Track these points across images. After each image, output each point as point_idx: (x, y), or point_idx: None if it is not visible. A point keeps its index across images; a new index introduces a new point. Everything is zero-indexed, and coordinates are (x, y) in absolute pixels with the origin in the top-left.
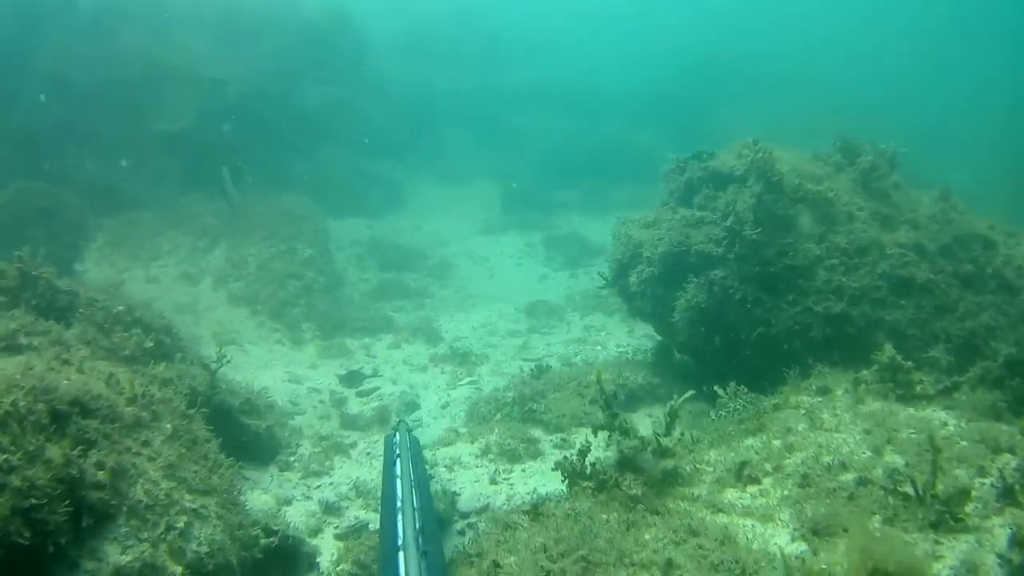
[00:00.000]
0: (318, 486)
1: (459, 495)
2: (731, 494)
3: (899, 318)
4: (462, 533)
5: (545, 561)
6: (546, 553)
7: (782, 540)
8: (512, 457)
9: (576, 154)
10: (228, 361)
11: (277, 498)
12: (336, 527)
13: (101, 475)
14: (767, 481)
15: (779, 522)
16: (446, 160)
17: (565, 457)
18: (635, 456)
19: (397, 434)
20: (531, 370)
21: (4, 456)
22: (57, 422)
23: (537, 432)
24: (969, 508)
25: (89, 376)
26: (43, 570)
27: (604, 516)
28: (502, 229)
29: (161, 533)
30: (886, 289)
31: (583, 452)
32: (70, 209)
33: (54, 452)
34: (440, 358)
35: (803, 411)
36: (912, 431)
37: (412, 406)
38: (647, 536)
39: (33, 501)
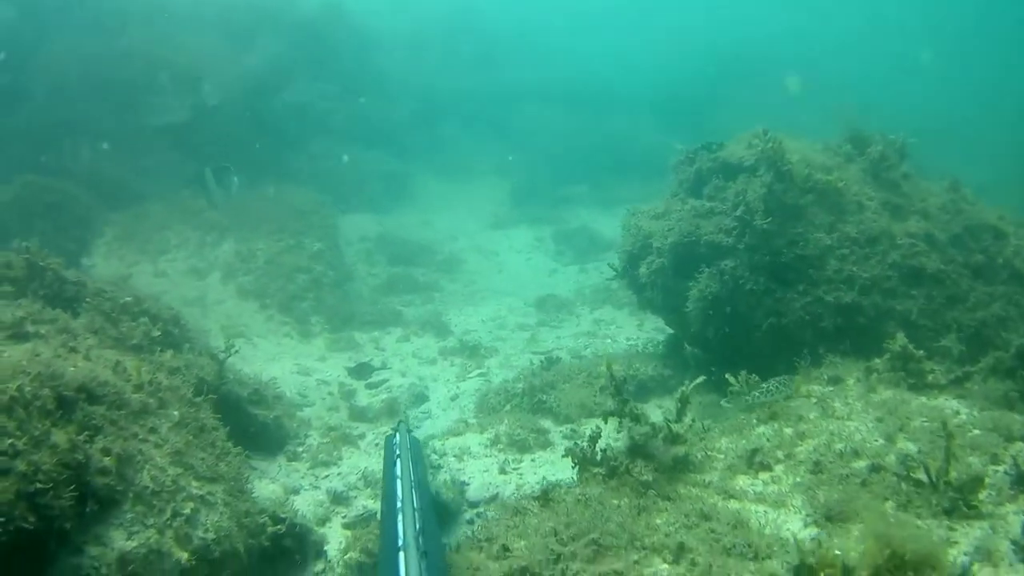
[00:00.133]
0: (326, 476)
1: (468, 485)
2: (743, 481)
3: (910, 308)
4: (471, 522)
5: (555, 544)
6: (556, 537)
7: (795, 526)
8: (522, 447)
9: (584, 149)
10: (236, 351)
11: (285, 487)
12: (344, 516)
13: (107, 461)
14: (779, 468)
15: (792, 508)
16: (454, 156)
17: (576, 443)
18: (646, 442)
19: (397, 434)
20: (541, 362)
21: (9, 441)
22: (63, 408)
23: (547, 423)
24: (983, 495)
25: (96, 363)
26: (48, 555)
27: (615, 501)
28: (511, 224)
29: (167, 519)
30: (897, 279)
31: (593, 439)
32: (77, 204)
33: (60, 437)
34: (449, 351)
35: (815, 400)
36: (924, 419)
37: (421, 398)
38: (658, 520)
39: (38, 486)
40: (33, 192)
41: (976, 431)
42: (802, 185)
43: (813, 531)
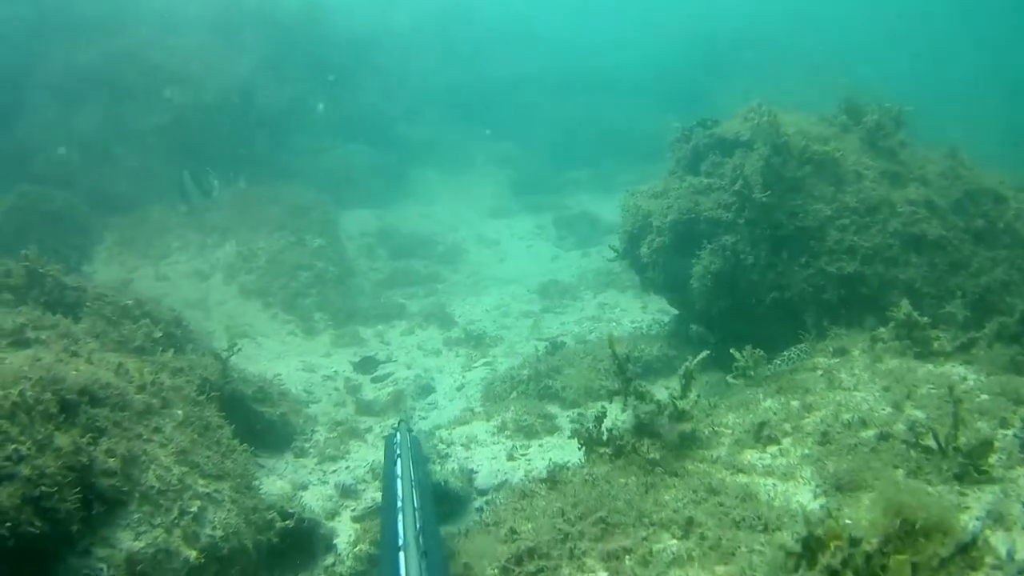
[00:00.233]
0: (334, 470)
1: (476, 472)
2: (750, 455)
3: (913, 276)
4: (480, 510)
5: (563, 524)
6: (564, 517)
7: (804, 497)
8: (529, 433)
9: (584, 135)
10: (239, 350)
11: (293, 483)
12: (353, 510)
13: (112, 462)
14: (786, 441)
15: (800, 479)
16: (452, 147)
17: (581, 424)
18: (652, 421)
19: (398, 434)
20: (546, 348)
21: (13, 446)
22: (66, 411)
23: (553, 408)
24: (993, 459)
25: (98, 366)
26: (55, 557)
27: (622, 480)
28: (512, 212)
29: (174, 518)
30: (898, 247)
31: (599, 418)
32: (76, 211)
33: (63, 441)
34: (454, 342)
35: (820, 372)
36: (931, 386)
37: (427, 390)
38: (667, 497)
39: (43, 489)
40: (30, 202)
41: (984, 396)
42: (799, 157)
43: (823, 502)
